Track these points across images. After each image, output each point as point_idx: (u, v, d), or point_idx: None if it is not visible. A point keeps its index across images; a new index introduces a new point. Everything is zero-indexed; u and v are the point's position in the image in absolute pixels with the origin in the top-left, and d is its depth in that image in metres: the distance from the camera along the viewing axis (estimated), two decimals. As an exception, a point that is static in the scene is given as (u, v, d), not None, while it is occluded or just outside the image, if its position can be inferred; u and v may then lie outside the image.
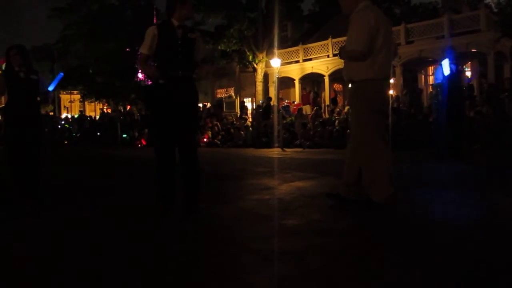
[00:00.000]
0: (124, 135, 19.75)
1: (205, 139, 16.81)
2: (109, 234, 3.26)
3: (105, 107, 31.57)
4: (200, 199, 3.74)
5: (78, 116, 27.25)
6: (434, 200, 4.17)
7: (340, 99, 21.86)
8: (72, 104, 42.98)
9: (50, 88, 4.91)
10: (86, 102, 40.56)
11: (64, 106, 43.45)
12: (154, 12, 27.74)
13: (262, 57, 22.06)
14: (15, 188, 4.74)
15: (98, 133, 21.87)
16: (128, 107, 28.46)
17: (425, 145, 9.81)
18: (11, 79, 4.70)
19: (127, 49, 28.47)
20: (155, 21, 29.19)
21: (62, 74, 3.63)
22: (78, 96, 39.71)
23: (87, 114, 32.79)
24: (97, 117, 27.09)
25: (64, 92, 41.56)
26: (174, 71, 3.63)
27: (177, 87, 3.64)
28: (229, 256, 2.60)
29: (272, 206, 4.07)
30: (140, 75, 29.86)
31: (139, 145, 18.54)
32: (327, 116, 16.98)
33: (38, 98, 4.89)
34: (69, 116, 30.71)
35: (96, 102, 32.38)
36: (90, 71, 27.54)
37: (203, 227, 3.37)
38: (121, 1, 27.76)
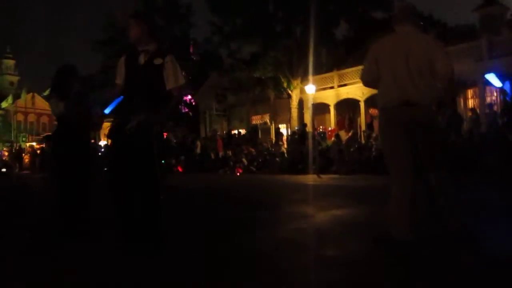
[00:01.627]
0: (162, 161, 20.10)
1: (240, 167, 16.93)
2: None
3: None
4: (233, 227, 3.72)
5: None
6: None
7: (376, 124, 21.61)
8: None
9: (107, 111, 4.66)
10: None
11: (105, 134, 44.83)
12: (191, 42, 28.57)
13: (297, 84, 22.19)
14: (59, 221, 4.32)
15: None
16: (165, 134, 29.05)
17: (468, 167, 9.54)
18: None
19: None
20: (191, 50, 30.11)
21: (122, 97, 3.60)
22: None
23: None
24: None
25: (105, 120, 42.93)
26: (127, 106, 3.38)
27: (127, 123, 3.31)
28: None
29: (310, 236, 4.03)
30: (177, 103, 30.62)
31: (176, 172, 18.83)
32: (363, 141, 16.80)
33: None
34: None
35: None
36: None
37: (241, 257, 3.35)
38: (160, 33, 28.66)
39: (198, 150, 20.53)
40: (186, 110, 30.39)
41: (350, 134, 16.90)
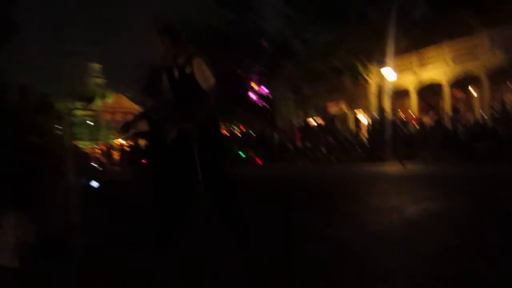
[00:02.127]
0: (241, 154, 20.49)
1: (319, 157, 16.79)
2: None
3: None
4: (321, 220, 3.66)
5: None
6: None
7: (461, 107, 20.37)
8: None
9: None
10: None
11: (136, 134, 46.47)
12: (264, 36, 28.65)
13: (375, 70, 21.50)
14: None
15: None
16: (239, 127, 29.62)
17: None
18: None
19: (240, 72, 29.80)
20: (264, 42, 30.21)
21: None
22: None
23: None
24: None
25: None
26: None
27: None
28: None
29: (403, 230, 3.88)
30: (253, 97, 31.02)
31: (255, 164, 19.11)
32: (449, 126, 15.91)
33: None
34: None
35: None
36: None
37: (337, 254, 3.30)
38: (232, 28, 29.13)
39: (276, 142, 20.64)
40: (262, 102, 30.66)
41: (434, 121, 15.94)
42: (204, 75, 3.45)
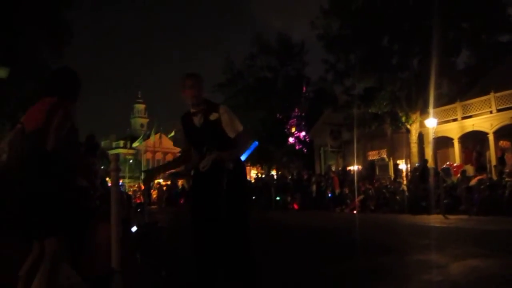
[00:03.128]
0: (278, 198, 20.40)
1: (357, 205, 16.46)
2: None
3: (257, 171, 33.27)
4: (358, 274, 3.56)
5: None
6: None
7: (508, 158, 19.67)
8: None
9: (243, 158, 4.15)
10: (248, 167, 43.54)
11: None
12: (305, 80, 29.16)
13: (416, 117, 21.26)
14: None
15: (254, 197, 22.96)
16: (277, 170, 29.60)
17: None
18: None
19: (279, 116, 30.16)
20: (304, 90, 30.63)
21: (256, 143, 3.41)
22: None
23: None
24: (252, 181, 28.57)
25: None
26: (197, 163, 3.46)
27: (201, 177, 3.48)
28: None
29: (446, 290, 3.74)
30: (291, 140, 31.18)
31: (292, 209, 18.94)
32: (495, 178, 15.35)
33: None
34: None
35: (250, 167, 34.41)
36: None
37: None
38: (274, 73, 29.75)
39: (314, 187, 20.45)
40: (300, 146, 30.71)
41: (483, 175, 15.13)
42: (232, 123, 3.48)
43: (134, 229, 4.94)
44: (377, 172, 21.57)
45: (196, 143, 3.60)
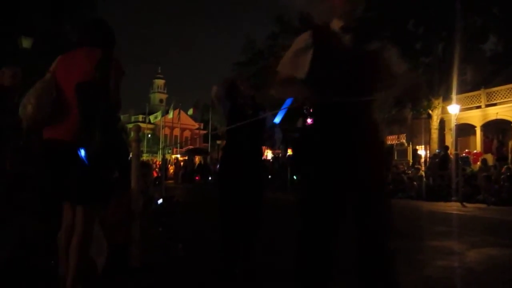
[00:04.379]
0: (294, 177, 20.38)
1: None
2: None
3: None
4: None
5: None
6: None
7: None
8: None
9: (277, 120, 3.74)
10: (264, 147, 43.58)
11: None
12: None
13: (438, 103, 20.90)
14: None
15: (270, 176, 23.00)
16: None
17: None
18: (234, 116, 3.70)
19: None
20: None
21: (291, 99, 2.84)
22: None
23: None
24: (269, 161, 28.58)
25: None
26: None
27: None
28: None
29: (463, 278, 3.71)
30: (309, 120, 30.99)
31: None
32: (515, 167, 15.06)
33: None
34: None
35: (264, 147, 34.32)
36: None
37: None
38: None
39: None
40: (280, 145, 30.57)
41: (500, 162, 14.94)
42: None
43: (160, 201, 5.01)
44: (395, 157, 21.37)
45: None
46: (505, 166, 14.57)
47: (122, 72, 2.75)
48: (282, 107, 3.19)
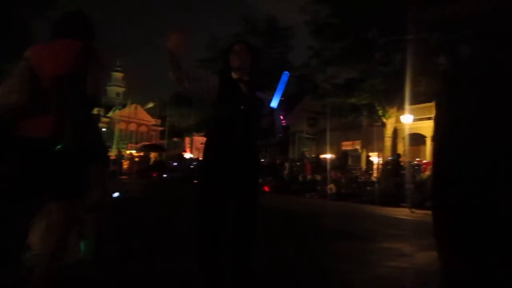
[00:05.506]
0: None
1: (328, 193, 16.73)
2: None
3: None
4: (327, 257, 3.64)
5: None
6: None
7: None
8: (202, 146, 46.28)
9: (274, 104, 2.98)
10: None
11: (196, 148, 46.94)
12: (288, 65, 29.07)
13: (393, 112, 21.60)
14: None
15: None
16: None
17: None
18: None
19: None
20: (287, 72, 30.65)
21: (287, 73, 2.83)
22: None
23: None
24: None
25: (197, 134, 45.07)
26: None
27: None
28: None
29: (413, 278, 3.87)
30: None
31: (262, 191, 19.06)
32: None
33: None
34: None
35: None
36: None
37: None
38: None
39: (286, 172, 20.64)
40: (281, 134, 30.89)
41: None
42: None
43: (115, 195, 4.92)
44: (350, 163, 21.91)
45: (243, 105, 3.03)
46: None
47: (104, 66, 2.66)
48: (278, 88, 2.93)
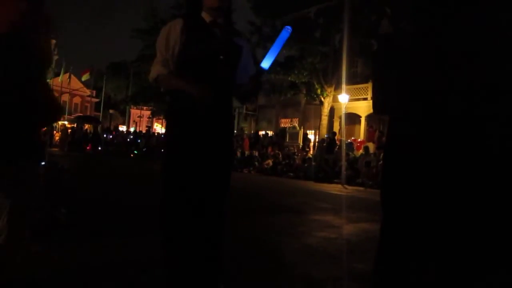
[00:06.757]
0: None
1: (265, 168, 16.97)
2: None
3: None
4: (260, 230, 3.71)
5: (146, 132, 28.46)
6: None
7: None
8: (141, 119, 45.15)
9: (266, 65, 2.39)
10: (154, 119, 42.51)
11: (133, 121, 45.72)
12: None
13: (330, 91, 22.11)
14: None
15: (162, 150, 22.62)
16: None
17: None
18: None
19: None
20: (288, 27, 30.39)
21: (288, 28, 2.37)
22: (148, 113, 41.74)
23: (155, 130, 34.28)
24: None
25: (135, 107, 43.86)
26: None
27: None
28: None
29: (340, 247, 4.04)
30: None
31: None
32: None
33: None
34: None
35: (163, 120, 33.83)
36: (162, 90, 29.08)
37: (274, 263, 3.38)
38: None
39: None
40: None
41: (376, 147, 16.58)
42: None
43: (43, 163, 4.65)
44: (287, 139, 22.30)
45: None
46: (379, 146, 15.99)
47: (51, 29, 2.42)
48: (274, 45, 2.39)
